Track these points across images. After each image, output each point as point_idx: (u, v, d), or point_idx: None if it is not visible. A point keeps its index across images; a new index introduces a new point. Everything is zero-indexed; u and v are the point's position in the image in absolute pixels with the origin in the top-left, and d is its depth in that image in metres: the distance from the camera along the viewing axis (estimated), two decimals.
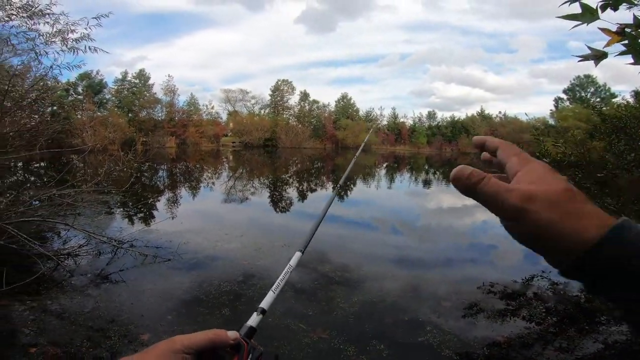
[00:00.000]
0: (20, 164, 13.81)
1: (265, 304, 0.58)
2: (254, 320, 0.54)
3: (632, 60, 1.11)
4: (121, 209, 7.92)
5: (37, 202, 5.41)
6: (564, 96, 39.94)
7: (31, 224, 4.79)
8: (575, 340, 3.02)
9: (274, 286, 0.61)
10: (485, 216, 8.76)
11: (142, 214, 7.76)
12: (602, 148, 4.39)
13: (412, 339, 2.97)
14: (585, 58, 1.21)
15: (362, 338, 2.94)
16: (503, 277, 4.48)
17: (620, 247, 0.27)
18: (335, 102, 52.46)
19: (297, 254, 0.72)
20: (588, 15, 1.07)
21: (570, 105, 35.41)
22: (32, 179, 11.86)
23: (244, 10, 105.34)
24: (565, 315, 3.53)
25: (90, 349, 2.64)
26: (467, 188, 0.32)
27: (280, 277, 0.63)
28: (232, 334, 0.49)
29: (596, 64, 1.19)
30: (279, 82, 49.99)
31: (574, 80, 39.26)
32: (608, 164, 3.72)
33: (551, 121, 33.60)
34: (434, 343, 2.90)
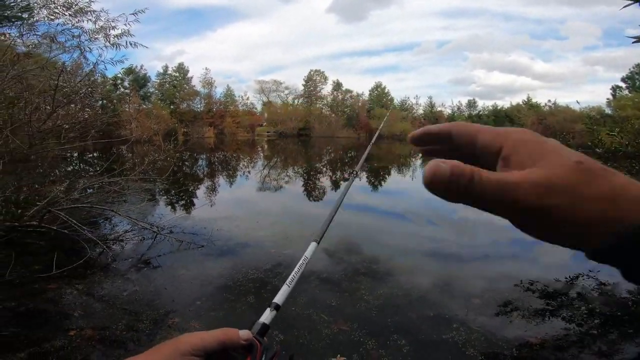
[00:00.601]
0: (75, 154, 15.12)
1: (279, 299, 0.55)
2: (267, 317, 0.52)
3: None
4: (163, 197, 8.39)
5: (90, 190, 5.88)
6: (623, 84, 36.34)
7: (81, 210, 5.20)
8: (617, 344, 2.79)
9: (289, 279, 0.58)
10: None
11: (181, 201, 8.17)
12: None
13: (435, 335, 2.87)
14: (638, 39, 1.09)
15: (384, 332, 2.89)
16: (545, 275, 4.18)
17: None
18: (369, 91, 51.58)
19: (313, 245, 0.68)
20: None
21: (630, 94, 32.05)
22: (87, 168, 12.88)
23: (275, 1, 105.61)
24: (609, 317, 3.24)
25: (123, 332, 2.81)
26: (454, 192, 0.23)
27: (295, 269, 0.60)
28: (243, 334, 0.46)
29: None
30: (312, 72, 50.06)
31: (633, 67, 35.52)
32: None
33: (608, 110, 30.72)
34: (459, 341, 2.78)
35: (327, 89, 50.63)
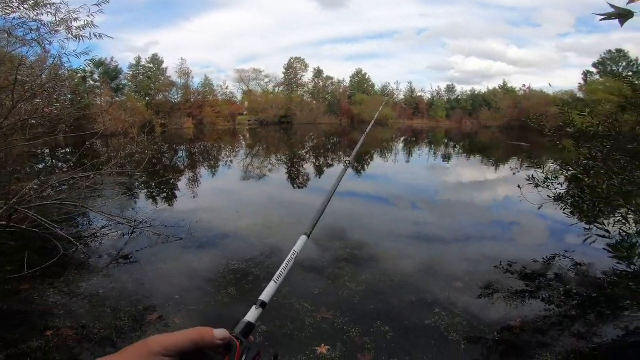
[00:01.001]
0: (47, 150, 14.43)
1: (265, 296, 0.51)
2: (252, 315, 0.48)
3: None
4: (140, 190, 8.12)
5: (64, 186, 5.63)
6: (594, 70, 37.57)
7: (52, 208, 4.98)
8: (595, 327, 2.84)
9: (276, 275, 0.54)
10: (507, 191, 8.47)
11: (159, 194, 7.93)
12: (633, 121, 4.10)
13: (418, 321, 2.89)
14: (608, 17, 1.07)
15: (367, 319, 2.89)
16: (523, 256, 4.28)
17: None
18: (350, 77, 51.49)
19: (303, 238, 0.64)
20: None
21: (601, 79, 33.31)
22: (59, 164, 12.35)
23: None
24: (586, 299, 3.33)
25: (102, 330, 2.72)
26: None
27: (283, 265, 0.56)
28: (219, 334, 0.42)
29: (622, 24, 1.06)
30: (292, 60, 49.43)
31: (604, 54, 36.82)
32: (638, 137, 3.44)
33: (579, 94, 31.90)
34: (442, 326, 2.81)
35: (308, 76, 50.27)
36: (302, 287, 3.40)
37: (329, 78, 50.63)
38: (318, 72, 50.18)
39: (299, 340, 2.62)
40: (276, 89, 49.15)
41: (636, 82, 4.10)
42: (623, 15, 1.02)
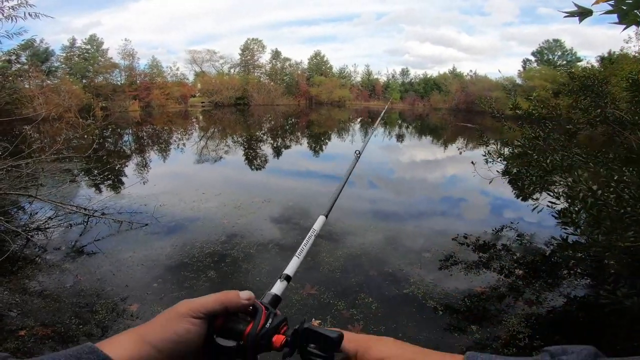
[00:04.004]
0: None
1: (289, 270, 0.55)
2: (277, 287, 0.51)
3: (617, 20, 1.14)
4: (87, 177, 7.47)
5: None
6: (532, 58, 40.70)
7: None
8: (542, 294, 3.13)
9: (298, 251, 0.59)
10: (454, 170, 9.13)
11: (110, 180, 7.40)
12: (567, 105, 4.61)
13: (397, 290, 3.08)
14: (571, 14, 1.22)
15: (350, 292, 3.03)
16: (475, 229, 4.65)
17: None
18: (308, 59, 50.79)
19: (321, 218, 0.69)
20: None
21: (538, 67, 36.30)
22: None
23: None
24: (531, 267, 3.67)
25: (80, 325, 2.58)
26: None
27: (304, 241, 0.61)
28: (244, 294, 0.44)
29: (580, 21, 1.21)
30: (249, 41, 47.53)
31: (542, 43, 39.86)
32: (573, 119, 3.90)
33: (518, 81, 34.58)
34: (419, 294, 3.02)
35: (265, 58, 48.73)
36: (283, 265, 3.43)
37: (286, 59, 49.53)
38: (276, 54, 48.87)
39: (289, 316, 2.63)
40: (232, 71, 47.10)
41: (572, 71, 4.63)
42: (583, 14, 1.18)
